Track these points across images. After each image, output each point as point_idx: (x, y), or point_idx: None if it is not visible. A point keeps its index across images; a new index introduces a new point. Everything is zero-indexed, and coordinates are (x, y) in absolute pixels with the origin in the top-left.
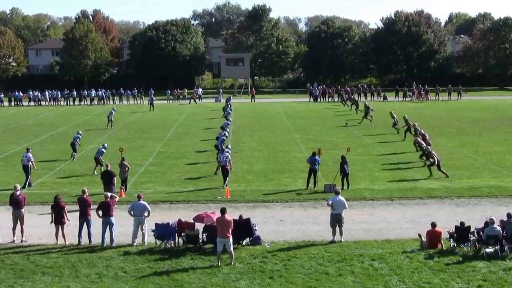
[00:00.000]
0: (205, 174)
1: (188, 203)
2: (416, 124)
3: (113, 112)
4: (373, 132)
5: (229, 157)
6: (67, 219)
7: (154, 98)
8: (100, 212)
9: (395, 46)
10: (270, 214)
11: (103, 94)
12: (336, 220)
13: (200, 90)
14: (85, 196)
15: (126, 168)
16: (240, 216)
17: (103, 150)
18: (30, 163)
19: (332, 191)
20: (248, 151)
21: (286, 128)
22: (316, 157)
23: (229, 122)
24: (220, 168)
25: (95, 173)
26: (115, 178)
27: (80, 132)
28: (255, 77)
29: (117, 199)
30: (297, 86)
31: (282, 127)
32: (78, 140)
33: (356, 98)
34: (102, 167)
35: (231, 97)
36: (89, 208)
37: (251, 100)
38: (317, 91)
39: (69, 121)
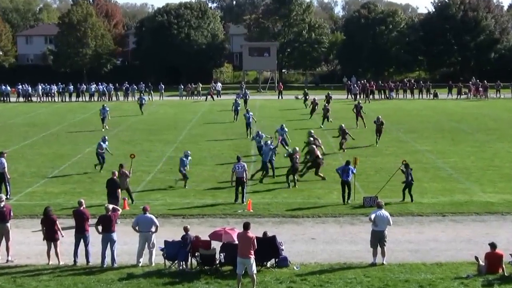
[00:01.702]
0: (224, 183)
1: (203, 217)
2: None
3: (106, 110)
4: (423, 135)
5: (245, 166)
6: (61, 235)
7: (145, 98)
8: (100, 228)
9: (448, 34)
10: (300, 231)
11: (104, 89)
12: (378, 239)
13: (219, 85)
14: (82, 208)
15: (126, 177)
16: (265, 233)
17: (101, 143)
18: (4, 169)
19: (373, 204)
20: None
21: (319, 130)
22: (350, 166)
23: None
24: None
25: (97, 169)
26: (119, 190)
27: (105, 138)
28: (283, 70)
29: (119, 212)
30: (332, 81)
31: (313, 128)
32: (103, 148)
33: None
34: (101, 165)
35: (243, 94)
36: (87, 223)
37: (278, 97)
38: (356, 87)
39: (64, 120)
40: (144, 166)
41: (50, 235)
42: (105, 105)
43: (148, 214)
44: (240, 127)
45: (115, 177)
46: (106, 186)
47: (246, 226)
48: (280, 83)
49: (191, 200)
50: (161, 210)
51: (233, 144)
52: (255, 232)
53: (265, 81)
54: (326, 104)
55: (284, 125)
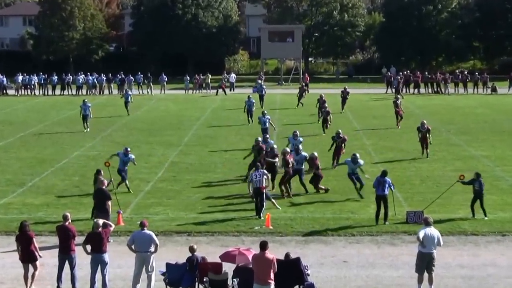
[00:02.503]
0: (237, 195)
1: (213, 235)
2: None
3: (88, 107)
4: (478, 137)
5: (266, 174)
6: (38, 255)
7: (130, 94)
8: (89, 247)
9: (510, 16)
10: (329, 253)
11: (95, 80)
12: (426, 262)
13: (232, 76)
14: (67, 223)
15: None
16: (287, 255)
17: (123, 158)
18: None
19: (419, 221)
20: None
21: (354, 130)
22: (387, 178)
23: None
24: (253, 191)
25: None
26: (109, 201)
27: (128, 150)
28: (310, 59)
29: (112, 229)
30: (368, 72)
31: (347, 129)
32: (126, 163)
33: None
34: (125, 183)
35: (258, 88)
36: (73, 241)
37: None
38: (397, 79)
39: (46, 118)
40: (143, 173)
41: (27, 255)
42: (86, 100)
43: (146, 231)
44: (258, 127)
45: (104, 187)
46: (93, 198)
47: (264, 246)
48: (306, 75)
49: (198, 214)
50: (162, 226)
51: (249, 148)
52: (275, 253)
53: (287, 72)
54: (326, 106)
55: (297, 132)
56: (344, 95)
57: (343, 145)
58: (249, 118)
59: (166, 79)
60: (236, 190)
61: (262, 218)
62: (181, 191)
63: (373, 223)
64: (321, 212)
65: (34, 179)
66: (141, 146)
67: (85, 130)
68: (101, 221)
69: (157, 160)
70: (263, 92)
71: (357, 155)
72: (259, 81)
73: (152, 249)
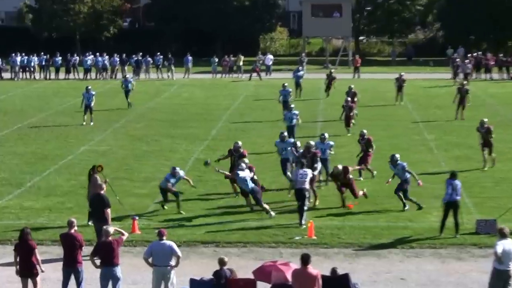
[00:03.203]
0: (275, 198)
1: (246, 245)
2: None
3: (91, 95)
4: None
5: (310, 174)
6: (41, 270)
7: (131, 81)
8: (98, 260)
9: None
10: (383, 268)
11: (105, 62)
12: (503, 282)
13: (269, 57)
14: (73, 231)
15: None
16: (333, 270)
17: (169, 178)
18: None
19: (492, 231)
20: (346, 160)
21: (413, 123)
22: (457, 181)
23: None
24: (294, 192)
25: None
26: (109, 210)
27: (175, 170)
28: (361, 38)
29: (125, 238)
30: (431, 53)
31: (405, 121)
32: (172, 182)
33: None
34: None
35: (296, 72)
36: (79, 252)
37: (354, 76)
38: (466, 62)
39: (48, 106)
40: (162, 172)
41: (27, 268)
42: (89, 87)
43: (166, 241)
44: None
45: (102, 192)
46: (89, 205)
47: (306, 260)
48: (357, 56)
49: (227, 221)
50: (185, 235)
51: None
52: (319, 268)
53: (334, 53)
54: (349, 100)
55: (326, 135)
56: (400, 83)
57: (370, 149)
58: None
59: (191, 61)
60: (272, 193)
61: (304, 226)
62: (207, 194)
63: (436, 233)
64: (374, 220)
65: (34, 178)
66: (161, 140)
67: (84, 123)
68: (111, 228)
69: (180, 156)
70: (300, 76)
71: (325, 135)
72: (303, 63)
73: (173, 262)
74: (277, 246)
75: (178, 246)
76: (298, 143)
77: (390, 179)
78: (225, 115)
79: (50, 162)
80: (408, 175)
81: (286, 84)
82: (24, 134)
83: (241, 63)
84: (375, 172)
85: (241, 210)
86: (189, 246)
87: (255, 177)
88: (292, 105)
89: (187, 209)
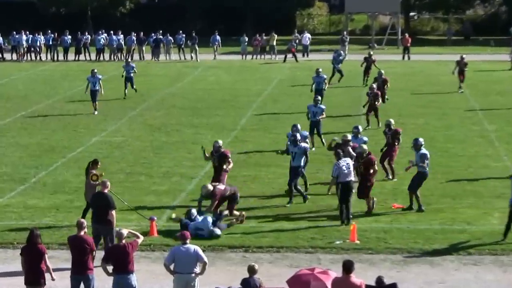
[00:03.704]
0: (312, 196)
1: (279, 251)
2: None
3: (98, 79)
4: None
5: (352, 165)
6: (52, 278)
7: (133, 66)
8: (110, 267)
9: None
10: (436, 277)
11: (120, 41)
12: None
13: (306, 36)
14: (83, 233)
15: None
16: (380, 280)
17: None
18: None
19: None
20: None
21: (471, 111)
22: None
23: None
24: (335, 188)
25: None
26: (113, 211)
27: None
28: (411, 14)
29: (140, 241)
30: (492, 32)
31: (462, 109)
32: None
33: None
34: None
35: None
36: (90, 257)
37: (403, 57)
38: None
39: (55, 92)
40: (184, 167)
41: (34, 276)
42: (95, 70)
43: (189, 245)
44: (338, 105)
45: (106, 190)
46: (91, 206)
47: (349, 268)
48: (406, 35)
49: (258, 223)
50: (211, 239)
51: (329, 134)
52: (363, 277)
53: (381, 31)
54: (374, 87)
55: (360, 128)
56: (461, 67)
57: (397, 142)
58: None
59: (219, 41)
60: (311, 190)
61: (345, 225)
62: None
63: (498, 238)
64: (426, 222)
65: (39, 173)
66: (183, 131)
67: (95, 112)
68: (125, 231)
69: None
70: (339, 60)
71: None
72: (345, 43)
73: (198, 269)
74: (315, 251)
75: (203, 251)
76: (298, 136)
77: (411, 165)
78: (256, 102)
79: (57, 155)
80: (426, 168)
81: (320, 70)
82: (28, 123)
83: (274, 43)
84: (395, 179)
85: (275, 210)
86: (215, 251)
87: (230, 166)
88: (319, 97)
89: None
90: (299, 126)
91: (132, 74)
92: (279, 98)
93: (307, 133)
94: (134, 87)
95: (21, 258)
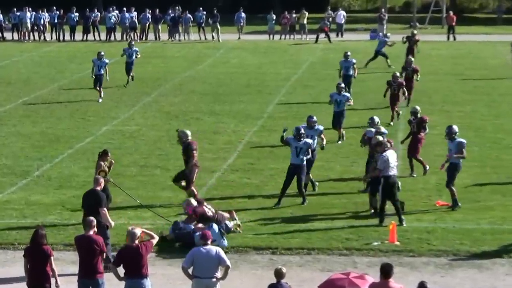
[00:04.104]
0: (346, 192)
1: (310, 253)
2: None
3: (104, 63)
4: None
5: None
6: (56, 284)
7: (136, 49)
8: (122, 270)
9: None
10: (485, 283)
11: (133, 19)
12: None
13: (341, 14)
14: (91, 233)
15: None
16: (422, 285)
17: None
18: None
19: None
20: (439, 144)
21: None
22: None
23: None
24: (370, 184)
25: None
26: (104, 211)
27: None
28: None
29: (155, 242)
30: None
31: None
32: None
33: None
34: None
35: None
36: (100, 259)
37: (448, 37)
38: None
39: (61, 75)
40: (205, 159)
41: (38, 280)
42: (102, 53)
43: (210, 246)
44: (375, 89)
45: (99, 188)
46: (82, 205)
47: (388, 272)
48: (451, 13)
49: (287, 222)
50: (234, 238)
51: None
52: (404, 282)
53: (423, 9)
54: (398, 76)
55: (376, 119)
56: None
57: (422, 132)
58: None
59: (244, 18)
60: (343, 185)
61: (403, 223)
62: (261, 186)
63: None
64: (474, 221)
65: (43, 166)
66: (203, 119)
67: (100, 99)
68: (138, 230)
69: (227, 139)
70: (382, 44)
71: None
72: (384, 22)
73: (219, 273)
74: (350, 253)
75: (226, 252)
76: (310, 141)
77: (445, 163)
78: (284, 87)
79: (63, 145)
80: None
81: (349, 54)
82: (31, 110)
83: (305, 21)
84: (427, 167)
85: (305, 207)
86: (239, 253)
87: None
88: (342, 84)
89: (236, 205)
90: (315, 118)
91: (134, 59)
92: (309, 83)
93: (322, 128)
94: (132, 74)
95: (24, 260)
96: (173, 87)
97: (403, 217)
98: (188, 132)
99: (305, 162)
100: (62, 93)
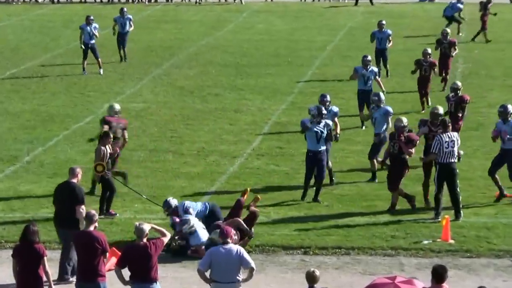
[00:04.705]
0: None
1: (348, 253)
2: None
3: (95, 28)
4: None
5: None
6: (50, 286)
7: (130, 17)
8: (127, 273)
9: None
10: None
11: None
12: None
13: None
14: (92, 229)
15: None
16: None
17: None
18: None
19: None
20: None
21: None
22: None
23: None
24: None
25: None
26: (82, 207)
27: None
28: None
29: (166, 239)
30: None
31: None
32: None
33: None
34: None
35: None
36: (101, 260)
37: None
38: None
39: (56, 43)
40: (225, 142)
41: (31, 283)
42: (91, 17)
43: (231, 245)
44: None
45: (76, 180)
46: (53, 201)
47: (441, 276)
48: None
49: (320, 219)
50: (261, 235)
51: (415, 102)
52: (459, 287)
53: None
54: (428, 53)
55: (389, 109)
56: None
57: (461, 112)
58: (380, 65)
59: None
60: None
61: (438, 219)
62: (292, 174)
63: None
64: None
65: (34, 150)
66: (223, 95)
67: (101, 71)
68: (147, 226)
69: (250, 119)
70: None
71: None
72: None
73: (242, 277)
74: (396, 254)
75: (249, 252)
76: (330, 123)
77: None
78: (319, 58)
79: (58, 125)
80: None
81: (383, 22)
82: (21, 85)
83: None
84: (461, 153)
85: (341, 199)
86: (265, 253)
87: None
88: (368, 56)
89: (265, 198)
90: (328, 97)
91: (127, 30)
92: (348, 53)
93: (336, 109)
94: (125, 49)
95: (13, 260)
96: (187, 57)
97: (461, 211)
98: (118, 107)
99: (325, 147)
100: (56, 64)
